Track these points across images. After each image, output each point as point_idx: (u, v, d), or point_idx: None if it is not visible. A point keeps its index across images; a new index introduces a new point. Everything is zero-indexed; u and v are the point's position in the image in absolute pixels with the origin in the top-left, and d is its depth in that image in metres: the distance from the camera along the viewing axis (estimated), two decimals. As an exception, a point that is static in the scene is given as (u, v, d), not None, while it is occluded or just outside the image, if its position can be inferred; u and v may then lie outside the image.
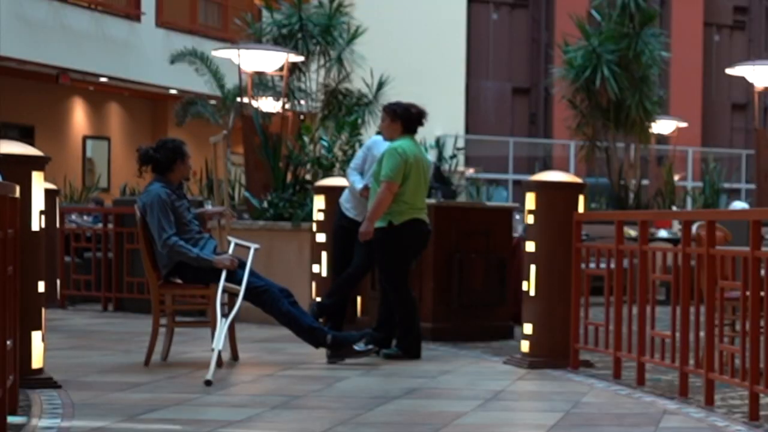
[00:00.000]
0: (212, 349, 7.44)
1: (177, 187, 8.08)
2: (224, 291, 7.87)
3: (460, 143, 18.38)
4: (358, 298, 10.23)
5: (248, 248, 8.18)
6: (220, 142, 8.70)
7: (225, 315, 7.77)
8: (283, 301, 7.95)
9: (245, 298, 7.89)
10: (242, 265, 8.01)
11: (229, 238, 8.35)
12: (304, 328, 7.99)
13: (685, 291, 6.80)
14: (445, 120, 29.05)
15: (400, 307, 8.53)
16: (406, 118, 8.58)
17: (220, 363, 7.73)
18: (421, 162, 8.56)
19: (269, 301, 7.94)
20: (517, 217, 13.08)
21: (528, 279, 8.08)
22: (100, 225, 13.37)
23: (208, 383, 6.90)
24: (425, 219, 8.62)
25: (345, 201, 9.30)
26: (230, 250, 8.14)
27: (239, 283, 7.86)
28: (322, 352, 8.18)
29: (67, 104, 23.00)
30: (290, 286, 8.47)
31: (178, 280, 8.01)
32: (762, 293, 6.12)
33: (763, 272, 6.14)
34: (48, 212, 7.24)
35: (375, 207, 8.45)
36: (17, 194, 5.58)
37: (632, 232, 14.63)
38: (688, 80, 34.25)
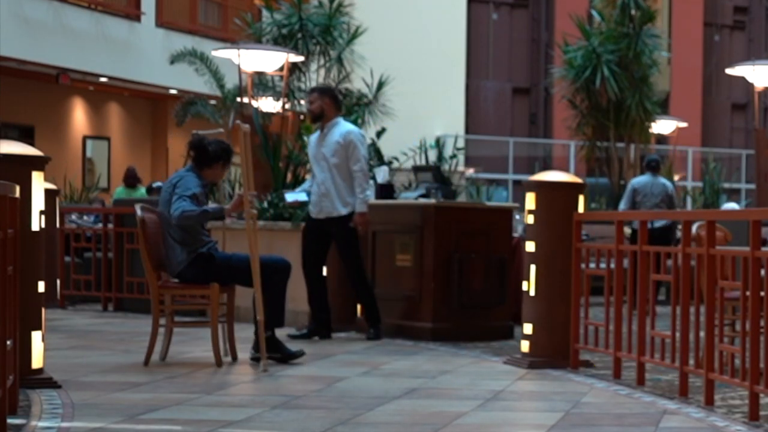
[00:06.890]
0: (256, 321, 7.70)
1: (208, 185, 8.15)
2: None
3: (460, 143, 18.32)
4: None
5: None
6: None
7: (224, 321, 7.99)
8: (284, 280, 8.05)
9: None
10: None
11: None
12: (275, 309, 7.99)
13: (685, 291, 6.80)
14: (445, 120, 29.05)
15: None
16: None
17: (219, 363, 7.76)
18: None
19: (274, 273, 7.98)
20: (517, 217, 13.08)
21: (528, 279, 8.08)
22: (100, 225, 13.38)
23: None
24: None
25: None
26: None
27: (248, 282, 7.87)
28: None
29: (67, 104, 22.99)
30: (290, 285, 8.47)
31: (175, 280, 7.99)
32: (762, 293, 6.12)
33: (763, 272, 6.14)
34: (48, 212, 7.23)
35: None
36: (17, 194, 5.58)
37: (628, 230, 14.65)
38: (688, 80, 34.24)
